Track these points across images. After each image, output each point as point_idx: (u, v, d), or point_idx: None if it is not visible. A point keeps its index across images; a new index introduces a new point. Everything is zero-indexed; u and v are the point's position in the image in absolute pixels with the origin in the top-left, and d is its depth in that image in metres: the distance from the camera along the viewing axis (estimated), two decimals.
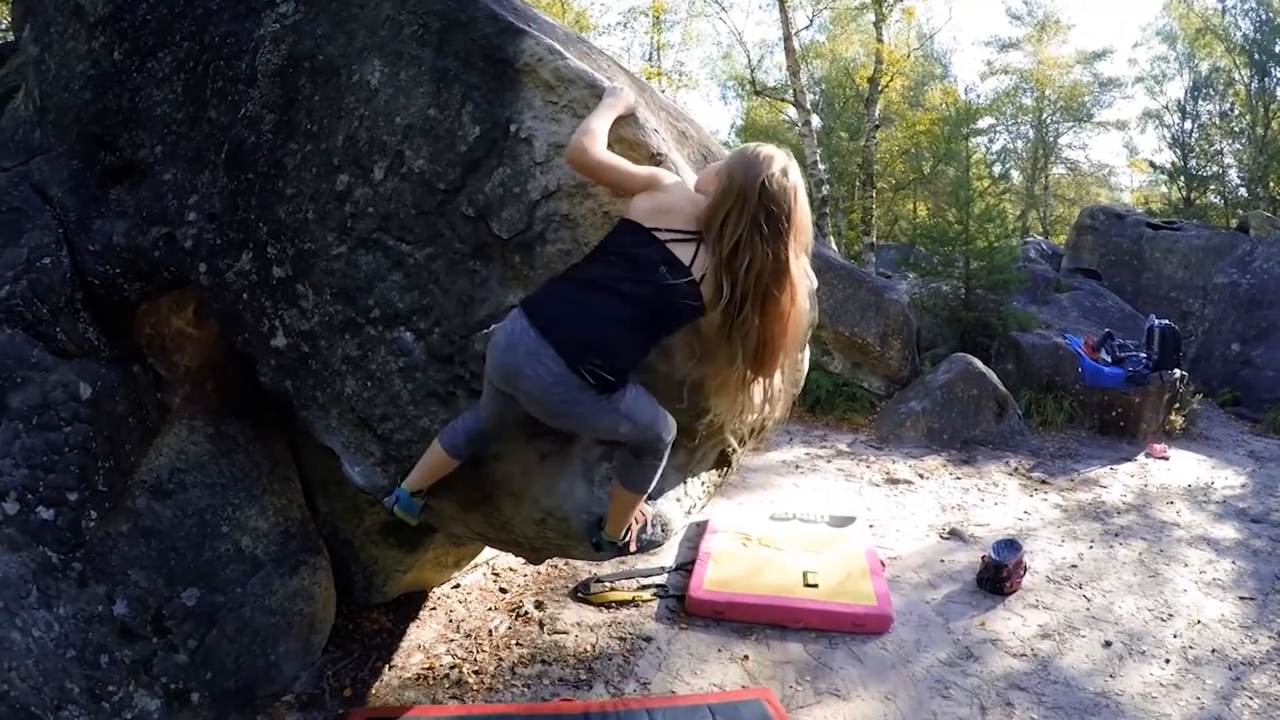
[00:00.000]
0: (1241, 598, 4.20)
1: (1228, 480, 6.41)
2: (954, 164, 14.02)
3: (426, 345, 2.25)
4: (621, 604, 3.80)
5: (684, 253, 1.89)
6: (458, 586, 3.85)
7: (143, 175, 2.57)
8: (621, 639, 3.49)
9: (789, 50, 12.70)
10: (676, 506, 2.57)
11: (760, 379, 2.05)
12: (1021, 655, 3.52)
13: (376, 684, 3.06)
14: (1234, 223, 14.47)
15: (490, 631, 3.50)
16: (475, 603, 3.77)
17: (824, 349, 8.28)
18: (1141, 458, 6.96)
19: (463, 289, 2.20)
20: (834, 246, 12.82)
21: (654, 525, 2.45)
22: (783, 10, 12.56)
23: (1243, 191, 19.01)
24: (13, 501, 2.34)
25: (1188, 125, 20.57)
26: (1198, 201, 19.35)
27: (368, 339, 2.29)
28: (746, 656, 3.39)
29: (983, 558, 4.26)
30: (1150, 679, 3.38)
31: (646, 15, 17.13)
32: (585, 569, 4.05)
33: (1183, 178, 20.19)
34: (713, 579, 3.87)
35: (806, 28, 16.57)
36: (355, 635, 3.32)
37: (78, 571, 2.42)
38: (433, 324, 2.23)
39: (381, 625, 3.43)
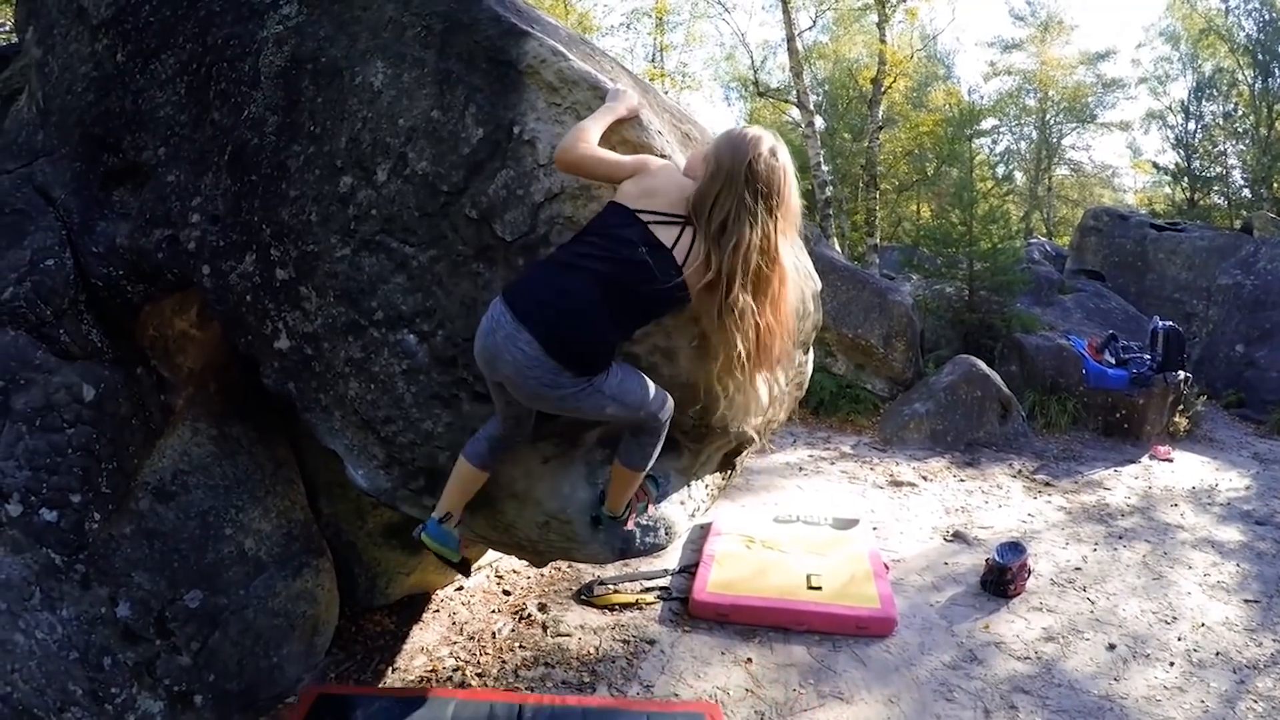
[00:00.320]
0: (1246, 600, 4.18)
1: (1232, 482, 6.39)
2: (957, 165, 13.97)
3: (430, 348, 2.24)
4: (625, 606, 3.79)
5: (666, 235, 1.88)
6: (461, 588, 3.85)
7: (146, 177, 2.57)
8: (625, 642, 3.49)
9: (792, 51, 12.68)
10: (680, 509, 2.56)
11: (763, 371, 2.04)
12: (1025, 658, 3.51)
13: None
14: (1238, 224, 14.41)
15: (493, 634, 3.50)
16: (478, 605, 3.76)
17: (828, 351, 8.27)
18: (1145, 460, 6.94)
19: (466, 291, 2.20)
20: (837, 248, 12.78)
21: (658, 525, 2.45)
22: (786, 11, 12.54)
23: (1246, 192, 18.94)
24: (16, 503, 2.35)
25: (1191, 126, 20.53)
26: (1201, 203, 19.30)
27: (371, 341, 2.28)
28: (750, 659, 3.38)
29: (986, 560, 4.25)
30: (1154, 682, 3.37)
31: (649, 16, 17.15)
32: (588, 571, 4.05)
33: (1186, 179, 20.13)
34: (716, 581, 3.87)
35: (810, 29, 16.59)
36: (358, 637, 3.32)
37: (80, 573, 2.42)
38: (436, 326, 2.23)
39: (384, 627, 3.43)
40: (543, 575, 4.08)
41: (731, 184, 1.84)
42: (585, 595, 3.86)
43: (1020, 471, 6.45)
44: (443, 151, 2.17)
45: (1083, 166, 25.27)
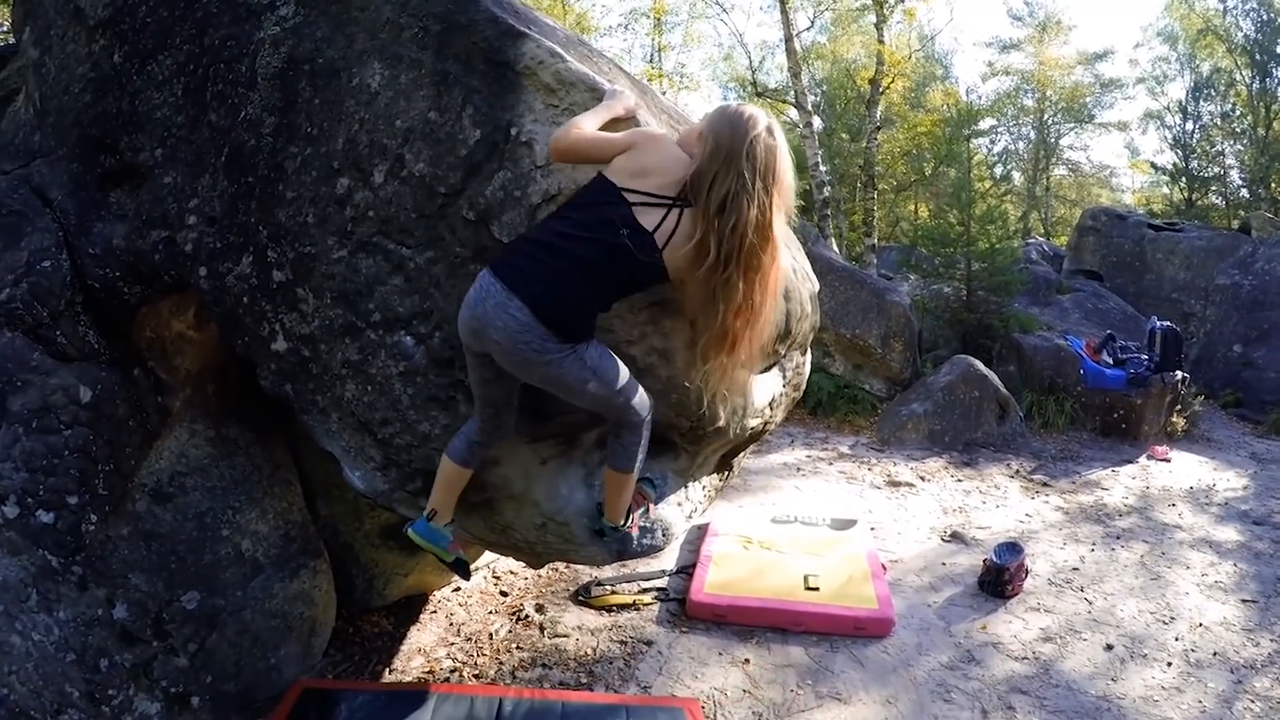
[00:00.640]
0: (1243, 600, 4.19)
1: (1229, 482, 6.40)
2: (955, 165, 13.99)
3: (427, 349, 2.24)
4: (622, 607, 3.79)
5: (650, 218, 1.89)
6: (458, 590, 3.85)
7: (143, 178, 2.57)
8: (622, 642, 3.49)
9: (790, 52, 12.68)
10: (677, 510, 2.56)
11: (748, 348, 2.04)
12: (1023, 658, 3.51)
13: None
14: (1235, 224, 14.45)
15: (491, 635, 3.50)
16: (476, 606, 3.76)
17: (825, 351, 8.27)
18: (1143, 460, 6.95)
19: (463, 293, 2.18)
20: (835, 248, 12.78)
21: (655, 527, 2.45)
22: (784, 12, 12.55)
23: (1244, 192, 18.98)
24: (13, 505, 2.34)
25: (1189, 126, 20.57)
26: (1199, 202, 19.33)
27: (368, 343, 2.28)
28: (747, 660, 3.38)
29: (984, 560, 4.26)
30: (1152, 682, 3.37)
31: (647, 17, 17.13)
32: (586, 572, 4.05)
33: (1184, 179, 20.17)
34: (714, 582, 3.87)
35: (808, 29, 16.58)
36: (356, 638, 3.32)
37: (78, 575, 2.41)
38: (433, 328, 2.23)
39: (382, 628, 3.43)
40: (540, 576, 4.08)
41: (731, 163, 1.84)
42: (582, 596, 3.86)
43: (1018, 472, 6.45)
44: (440, 153, 2.17)
45: (1081, 166, 25.31)
